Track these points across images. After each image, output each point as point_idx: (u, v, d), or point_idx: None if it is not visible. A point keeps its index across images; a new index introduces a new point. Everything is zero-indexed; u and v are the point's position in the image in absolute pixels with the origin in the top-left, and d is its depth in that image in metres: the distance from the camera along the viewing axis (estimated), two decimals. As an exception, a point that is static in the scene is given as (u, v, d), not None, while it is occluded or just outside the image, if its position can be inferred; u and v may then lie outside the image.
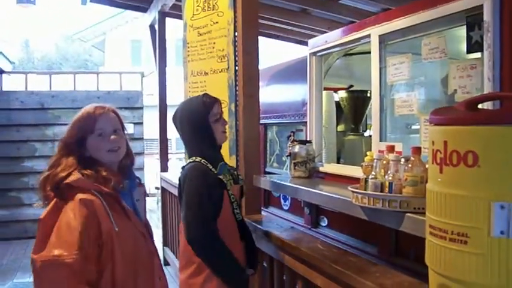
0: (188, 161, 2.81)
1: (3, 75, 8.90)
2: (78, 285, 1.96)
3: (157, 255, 2.47)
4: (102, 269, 2.08)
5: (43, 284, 2.01)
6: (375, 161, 2.40)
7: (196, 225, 2.60)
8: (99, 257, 2.07)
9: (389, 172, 2.31)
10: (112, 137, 2.30)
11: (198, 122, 2.76)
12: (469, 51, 2.49)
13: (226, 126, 2.89)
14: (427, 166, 2.10)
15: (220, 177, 2.73)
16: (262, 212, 3.79)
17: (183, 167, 2.83)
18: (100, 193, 2.14)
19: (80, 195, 2.08)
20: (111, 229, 2.10)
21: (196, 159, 2.72)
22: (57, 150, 2.29)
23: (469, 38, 2.45)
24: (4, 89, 8.79)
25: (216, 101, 2.83)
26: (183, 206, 2.68)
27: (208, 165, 2.70)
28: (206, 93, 2.89)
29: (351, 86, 4.61)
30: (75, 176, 2.12)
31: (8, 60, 9.54)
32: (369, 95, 4.29)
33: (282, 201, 4.89)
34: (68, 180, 2.11)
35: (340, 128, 4.63)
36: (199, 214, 2.60)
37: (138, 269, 2.23)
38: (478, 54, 2.45)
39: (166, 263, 6.65)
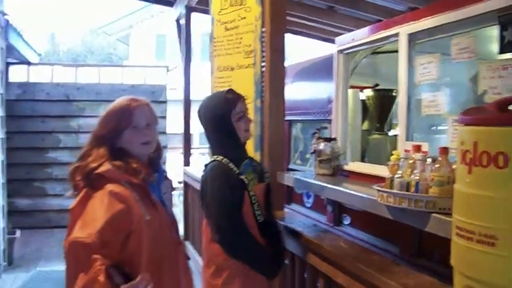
0: (210, 159, 2.77)
1: (30, 66, 8.98)
2: (98, 265, 1.92)
3: (183, 247, 2.51)
4: (130, 257, 2.11)
5: (69, 266, 2.01)
6: (402, 160, 2.39)
7: (228, 227, 2.59)
8: (126, 245, 2.09)
9: (415, 172, 2.30)
10: (145, 130, 2.34)
11: (220, 119, 2.70)
12: (501, 52, 2.46)
13: (252, 124, 2.84)
14: (454, 167, 2.09)
15: (242, 177, 2.66)
16: (285, 209, 3.78)
17: (205, 165, 2.79)
18: (130, 184, 2.17)
19: (109, 186, 2.11)
20: (142, 218, 2.13)
21: (218, 158, 2.68)
22: (89, 141, 2.31)
23: (501, 38, 2.42)
24: (31, 80, 8.87)
25: (239, 98, 2.76)
26: (210, 208, 2.67)
27: (230, 164, 2.66)
28: (231, 89, 2.82)
29: (377, 84, 4.59)
30: (106, 166, 2.15)
31: (35, 52, 9.62)
32: (394, 94, 4.27)
33: (305, 198, 4.88)
34: (98, 171, 2.14)
35: (365, 126, 4.61)
36: (227, 215, 2.59)
37: (164, 259, 2.26)
38: (510, 55, 2.42)
39: (187, 257, 6.67)
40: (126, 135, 2.30)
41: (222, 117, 2.69)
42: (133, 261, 2.11)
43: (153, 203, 2.24)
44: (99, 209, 2.05)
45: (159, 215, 2.27)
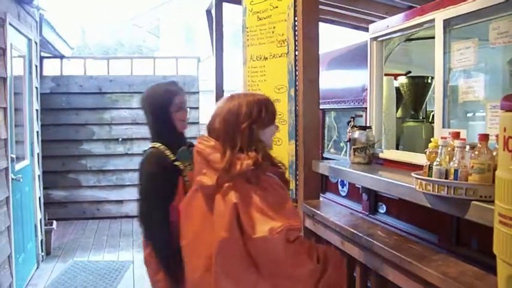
0: (149, 146, 2.90)
1: (64, 60, 9.10)
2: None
3: None
4: None
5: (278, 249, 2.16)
6: (440, 147, 2.35)
7: (148, 213, 2.78)
8: None
9: (454, 159, 2.27)
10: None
11: (159, 109, 2.86)
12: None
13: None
14: (494, 154, 2.06)
15: (177, 163, 2.79)
16: (320, 198, 3.78)
17: (143, 151, 2.94)
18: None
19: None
20: None
21: (156, 145, 2.83)
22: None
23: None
24: (64, 73, 8.99)
25: (179, 91, 2.92)
26: (139, 192, 2.84)
27: (167, 151, 2.80)
28: (173, 82, 3.01)
29: (409, 72, 4.53)
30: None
31: (69, 45, 9.73)
32: (429, 81, 4.22)
33: (340, 187, 4.87)
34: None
35: (400, 114, 4.57)
36: (150, 199, 2.78)
37: None
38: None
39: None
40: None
41: (161, 107, 2.84)
42: None
43: None
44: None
45: None
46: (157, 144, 2.83)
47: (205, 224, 2.25)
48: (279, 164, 2.45)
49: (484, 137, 2.15)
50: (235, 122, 2.28)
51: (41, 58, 8.36)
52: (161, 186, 2.73)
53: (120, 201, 9.06)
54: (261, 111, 2.34)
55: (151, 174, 2.78)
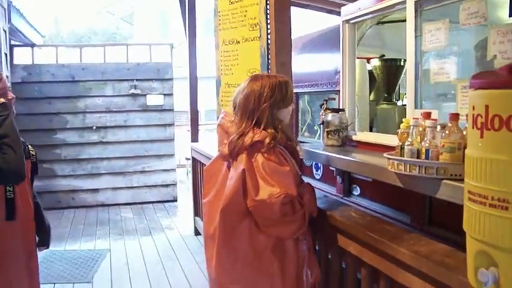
0: None
1: (35, 48, 8.96)
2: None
3: None
4: None
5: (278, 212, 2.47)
6: (411, 127, 2.38)
7: None
8: None
9: (425, 139, 2.29)
10: None
11: None
12: (511, 15, 2.43)
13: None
14: (464, 133, 2.08)
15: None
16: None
17: None
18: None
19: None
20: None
21: None
22: None
23: (511, 1, 2.39)
24: (36, 62, 8.85)
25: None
26: None
27: None
28: None
29: (383, 55, 4.55)
30: None
31: (39, 33, 9.59)
32: (402, 63, 4.24)
33: (314, 170, 4.89)
34: None
35: (373, 97, 4.59)
36: None
37: None
38: (520, 18, 2.39)
39: (198, 233, 6.74)
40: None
41: None
42: None
43: None
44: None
45: None
46: None
47: (224, 186, 2.56)
48: (293, 141, 2.71)
49: (455, 117, 2.17)
50: (257, 101, 2.55)
51: (11, 46, 8.23)
52: None
53: (96, 190, 8.99)
54: (282, 92, 2.60)
55: None
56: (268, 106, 2.54)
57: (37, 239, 3.18)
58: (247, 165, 2.46)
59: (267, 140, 2.46)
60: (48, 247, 3.30)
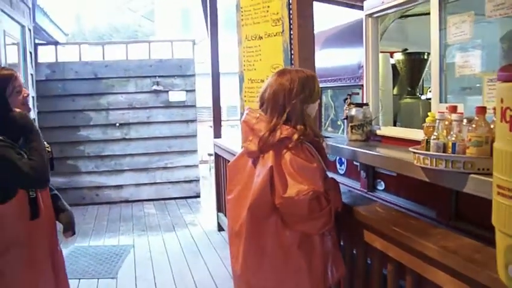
0: None
1: (58, 46, 9.04)
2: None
3: None
4: None
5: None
6: (437, 121, 2.35)
7: None
8: None
9: (452, 133, 2.27)
10: None
11: None
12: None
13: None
14: (492, 126, 2.06)
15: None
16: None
17: None
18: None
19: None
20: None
21: None
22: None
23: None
24: (59, 60, 8.94)
25: (12, 74, 2.81)
26: None
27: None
28: (3, 67, 2.91)
29: (405, 49, 4.52)
30: None
31: (63, 32, 9.68)
32: (425, 57, 4.20)
33: (338, 165, 4.87)
34: None
35: (396, 91, 4.55)
36: None
37: None
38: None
39: (221, 229, 6.76)
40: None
41: None
42: None
43: None
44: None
45: None
46: None
47: (250, 182, 2.55)
48: (320, 137, 2.69)
49: (482, 110, 2.14)
50: (287, 96, 2.51)
51: (36, 45, 8.31)
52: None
53: (120, 186, 9.06)
54: (310, 87, 2.58)
55: None
56: (298, 102, 2.51)
57: (60, 227, 3.22)
58: (274, 162, 2.44)
59: (295, 136, 2.45)
60: (74, 233, 3.32)
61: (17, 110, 2.78)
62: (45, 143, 2.98)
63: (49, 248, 3.01)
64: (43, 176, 2.75)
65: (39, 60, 8.62)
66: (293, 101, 2.50)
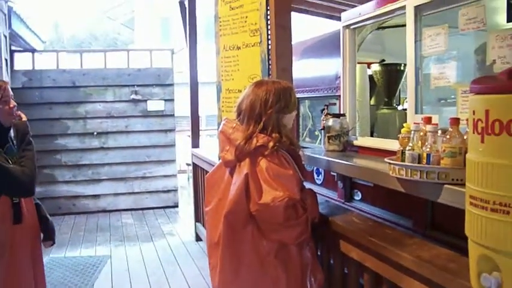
0: None
1: (35, 54, 8.97)
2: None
3: None
4: None
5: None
6: (412, 132, 2.38)
7: None
8: None
9: (426, 144, 2.30)
10: None
11: None
12: (509, 20, 2.43)
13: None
14: (465, 137, 2.09)
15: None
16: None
17: None
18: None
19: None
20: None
21: None
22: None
23: (509, 7, 2.40)
24: (36, 67, 8.86)
25: (2, 85, 3.04)
26: None
27: None
28: None
29: (383, 60, 4.57)
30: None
31: (40, 39, 9.60)
32: (402, 68, 4.25)
33: (315, 175, 4.89)
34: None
35: (373, 101, 4.60)
36: None
37: None
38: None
39: (199, 239, 6.74)
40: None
41: None
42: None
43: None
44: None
45: None
46: None
47: (228, 193, 2.57)
48: (296, 146, 2.71)
49: (455, 121, 2.18)
50: (263, 106, 2.55)
51: (12, 52, 8.24)
52: None
53: (97, 196, 8.99)
54: (286, 98, 2.62)
55: None
56: (274, 112, 2.55)
57: (42, 236, 3.22)
58: (250, 169, 2.47)
59: (271, 144, 2.48)
60: (54, 242, 3.31)
61: (23, 117, 3.06)
62: None
63: (31, 254, 3.01)
64: (31, 184, 2.86)
65: (16, 67, 8.55)
66: (269, 110, 2.54)
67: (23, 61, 8.86)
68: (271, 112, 2.54)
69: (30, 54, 8.85)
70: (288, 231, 2.53)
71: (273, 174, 2.45)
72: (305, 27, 8.02)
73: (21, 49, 8.98)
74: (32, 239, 3.05)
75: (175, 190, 9.36)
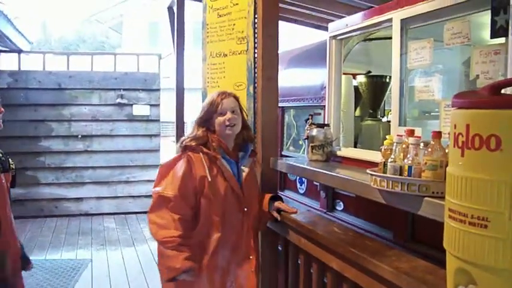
0: None
1: (22, 54, 8.92)
2: (173, 213, 2.79)
3: (248, 216, 3.01)
4: (197, 208, 2.85)
5: (153, 208, 2.89)
6: (395, 144, 2.39)
7: None
8: (195, 200, 2.84)
9: (408, 156, 2.31)
10: (229, 116, 2.92)
11: None
12: (493, 36, 2.46)
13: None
14: (447, 151, 2.10)
15: None
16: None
17: None
18: (202, 152, 2.88)
19: (189, 153, 2.89)
20: (205, 177, 2.82)
21: None
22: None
23: (493, 23, 2.42)
24: (22, 68, 8.81)
25: None
26: None
27: None
28: None
29: (369, 71, 4.59)
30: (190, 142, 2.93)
31: (27, 40, 9.55)
32: (387, 80, 4.28)
33: (298, 184, 4.90)
34: (185, 143, 2.93)
35: (358, 112, 4.62)
36: None
37: (226, 217, 2.89)
38: (502, 40, 2.42)
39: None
40: (215, 119, 2.94)
41: None
42: (200, 212, 2.87)
43: (221, 171, 2.89)
44: (179, 170, 2.85)
45: (227, 183, 2.90)
46: None
47: None
48: (213, 151, 2.91)
49: (437, 135, 2.19)
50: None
51: (-3, 52, 8.20)
52: None
53: (80, 199, 8.95)
54: (206, 105, 3.00)
55: None
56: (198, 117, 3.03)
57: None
58: (164, 162, 3.08)
59: (185, 145, 2.95)
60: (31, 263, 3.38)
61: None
62: (9, 159, 2.99)
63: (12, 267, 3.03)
64: None
65: (1, 67, 8.50)
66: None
67: (9, 61, 8.81)
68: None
69: (16, 54, 8.80)
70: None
71: (169, 170, 2.93)
72: (292, 36, 8.04)
73: (8, 49, 8.92)
74: (12, 251, 3.12)
75: (159, 195, 9.29)
